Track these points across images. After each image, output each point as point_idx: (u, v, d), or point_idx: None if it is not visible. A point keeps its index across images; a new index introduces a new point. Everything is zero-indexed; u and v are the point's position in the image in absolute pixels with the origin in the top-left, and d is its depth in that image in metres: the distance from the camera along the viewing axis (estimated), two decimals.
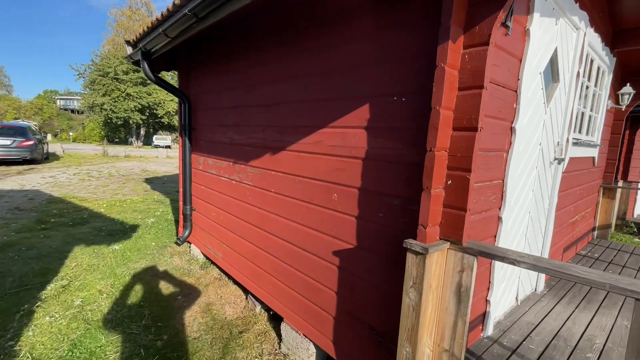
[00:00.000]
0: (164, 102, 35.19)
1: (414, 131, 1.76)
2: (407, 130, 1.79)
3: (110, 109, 32.28)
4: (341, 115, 2.17)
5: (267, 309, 3.21)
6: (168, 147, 33.32)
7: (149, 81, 36.75)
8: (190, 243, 4.57)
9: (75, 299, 3.25)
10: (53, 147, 21.14)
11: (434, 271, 1.63)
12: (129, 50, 4.08)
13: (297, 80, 2.53)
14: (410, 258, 1.63)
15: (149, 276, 3.76)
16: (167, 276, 3.80)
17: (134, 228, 5.47)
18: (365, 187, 2.04)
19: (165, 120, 36.56)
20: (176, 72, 4.68)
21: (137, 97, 33.20)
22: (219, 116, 3.67)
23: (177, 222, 5.85)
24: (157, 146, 33.31)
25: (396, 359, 1.72)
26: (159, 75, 4.04)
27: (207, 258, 4.33)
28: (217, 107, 3.71)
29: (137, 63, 4.20)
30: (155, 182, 10.20)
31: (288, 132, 2.64)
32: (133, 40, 3.92)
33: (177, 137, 42.09)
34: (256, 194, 3.10)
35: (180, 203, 4.54)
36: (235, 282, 3.71)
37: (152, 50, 3.63)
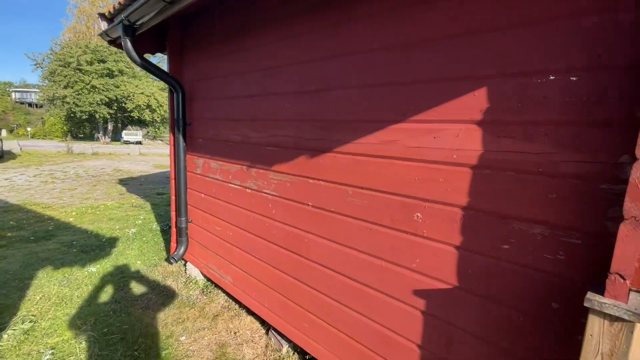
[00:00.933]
0: (133, 95, 33.01)
1: (582, 128, 1.17)
2: (568, 126, 1.20)
3: (73, 103, 29.81)
4: (433, 105, 1.55)
5: (297, 349, 2.57)
6: (139, 143, 31.35)
7: (116, 73, 34.35)
8: (186, 261, 3.82)
9: (43, 349, 2.46)
10: (8, 144, 19.10)
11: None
12: (104, 25, 3.24)
13: (353, 58, 1.88)
14: (596, 323, 1.06)
15: (140, 309, 3.01)
16: (163, 307, 3.06)
17: (112, 242, 4.62)
18: (477, 205, 1.44)
19: (135, 114, 34.34)
20: (163, 56, 3.87)
21: (103, 90, 30.87)
22: (226, 108, 2.95)
23: (164, 232, 5.04)
24: (126, 142, 31.26)
25: None
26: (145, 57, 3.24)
27: (209, 279, 3.61)
28: (223, 96, 2.98)
29: (114, 42, 3.37)
30: (131, 184, 9.16)
31: (337, 129, 1.99)
32: (110, 12, 3.09)
33: (148, 132, 39.94)
34: (284, 207, 2.43)
35: (173, 213, 3.78)
36: (250, 311, 3.03)
37: (136, 24, 2.83)
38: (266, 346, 2.67)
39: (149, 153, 20.28)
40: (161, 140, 39.92)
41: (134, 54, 2.95)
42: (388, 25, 1.71)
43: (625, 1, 1.08)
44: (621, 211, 1.00)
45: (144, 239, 4.74)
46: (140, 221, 5.60)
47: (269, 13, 2.43)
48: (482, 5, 1.39)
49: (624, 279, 1.04)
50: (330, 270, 2.12)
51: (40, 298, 3.11)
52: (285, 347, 2.61)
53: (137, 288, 3.36)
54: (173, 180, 3.71)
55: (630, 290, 1.11)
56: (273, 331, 2.70)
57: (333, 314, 2.12)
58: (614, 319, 1.02)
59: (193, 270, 3.69)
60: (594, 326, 1.06)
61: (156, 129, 39.05)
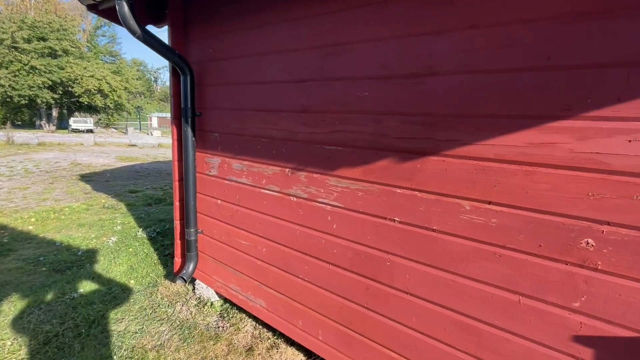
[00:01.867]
0: (81, 78, 29.84)
1: None
2: None
3: (9, 85, 26.29)
4: (629, 96, 1.15)
5: None
6: (90, 131, 28.53)
7: (60, 53, 31.33)
8: (194, 279, 3.21)
9: None
10: None
11: None
12: None
13: (481, 33, 1.42)
14: None
15: (153, 350, 2.40)
16: (181, 344, 2.47)
17: (91, 255, 3.84)
18: None
19: (84, 100, 31.16)
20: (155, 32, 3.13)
21: (45, 72, 27.54)
22: (258, 96, 2.36)
23: (153, 240, 4.32)
24: (75, 130, 28.31)
25: None
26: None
27: (227, 300, 3.05)
28: (252, 81, 2.38)
29: (97, 8, 2.61)
30: (96, 180, 8.03)
31: (446, 125, 1.54)
32: None
33: (100, 119, 36.45)
34: (351, 221, 1.95)
35: (177, 222, 3.12)
36: (289, 340, 2.54)
37: None
38: None
39: (106, 143, 18.38)
40: (115, 128, 36.79)
41: (132, 22, 2.25)
42: None
43: None
44: None
45: (130, 249, 4.00)
46: (119, 227, 4.79)
47: None
48: None
49: None
50: (429, 302, 1.70)
51: (12, 344, 2.38)
52: None
53: (139, 318, 2.73)
54: (177, 183, 3.05)
55: None
56: None
57: (429, 353, 1.71)
58: None
59: (205, 291, 3.10)
60: None
61: (109, 116, 35.86)
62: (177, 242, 3.17)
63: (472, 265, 1.55)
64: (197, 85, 2.78)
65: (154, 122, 55.64)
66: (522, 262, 1.41)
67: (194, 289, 3.20)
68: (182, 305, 2.94)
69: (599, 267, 1.25)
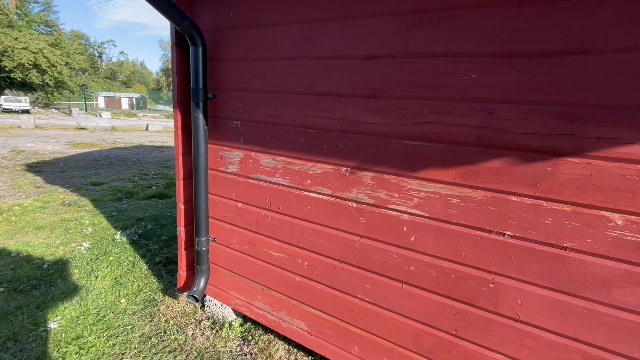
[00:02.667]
0: (12, 51, 26.09)
1: None
2: None
3: None
4: None
5: None
6: (26, 112, 25.20)
7: None
8: (204, 295, 2.70)
9: None
10: None
11: None
12: None
13: None
14: None
15: None
16: None
17: (60, 268, 3.15)
18: None
19: (17, 75, 27.37)
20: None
21: None
22: (305, 75, 1.87)
23: (136, 244, 3.68)
24: (8, 111, 24.87)
25: None
26: None
27: (245, 318, 2.60)
28: (298, 55, 1.88)
29: None
30: (48, 171, 6.88)
31: (603, 120, 1.21)
32: None
33: (37, 98, 32.26)
34: (440, 234, 1.59)
35: (181, 230, 2.57)
36: None
37: None
38: None
39: (49, 125, 16.21)
40: (56, 109, 32.89)
41: None
42: None
43: None
44: None
45: (111, 258, 3.35)
46: (89, 229, 4.04)
47: None
48: None
49: None
50: (549, 332, 1.41)
51: None
52: None
53: (145, 352, 2.20)
54: (182, 182, 2.49)
55: None
56: None
57: None
58: None
59: (218, 309, 2.62)
60: None
61: (48, 95, 31.95)
62: (182, 253, 2.62)
63: (618, 291, 1.27)
64: (212, 59, 2.21)
65: (101, 102, 50.83)
66: None
67: (203, 306, 2.71)
68: (195, 329, 2.44)
69: None
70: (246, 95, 2.12)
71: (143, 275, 3.10)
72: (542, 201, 1.35)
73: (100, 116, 27.65)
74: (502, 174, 1.41)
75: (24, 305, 2.58)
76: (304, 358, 2.25)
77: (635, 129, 1.17)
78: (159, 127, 18.49)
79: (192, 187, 2.54)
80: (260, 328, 2.49)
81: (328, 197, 1.91)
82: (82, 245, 3.60)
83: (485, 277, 1.52)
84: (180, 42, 2.25)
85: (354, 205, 1.82)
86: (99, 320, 2.45)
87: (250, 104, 2.11)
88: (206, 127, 2.26)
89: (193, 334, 2.40)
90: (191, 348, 2.26)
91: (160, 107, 54.53)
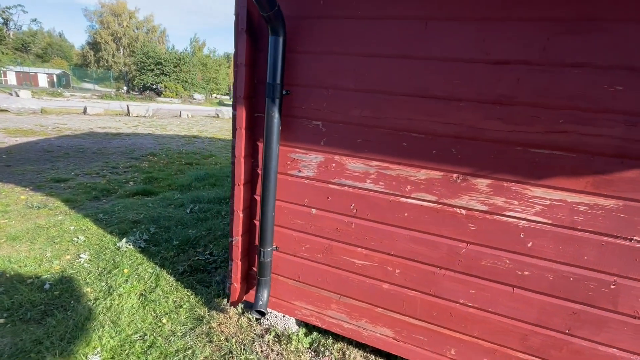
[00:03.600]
0: None
1: None
2: None
3: None
4: None
5: None
6: None
7: None
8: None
9: None
10: None
11: None
12: None
13: None
14: None
15: None
16: None
17: (67, 287, 2.68)
18: None
19: None
20: None
21: None
22: (414, 76, 1.74)
23: (146, 251, 3.27)
24: None
25: None
26: None
27: (307, 327, 2.47)
28: (406, 54, 1.74)
29: None
30: None
31: None
32: None
33: None
34: (562, 240, 1.64)
35: (237, 239, 2.32)
36: None
37: None
38: None
39: None
40: None
41: None
42: None
43: None
44: None
45: (125, 270, 2.94)
46: (80, 236, 3.48)
47: None
48: None
49: None
50: None
51: None
52: None
53: None
54: (242, 187, 2.23)
55: None
56: None
57: None
58: None
59: (279, 320, 2.45)
60: None
61: None
62: (237, 264, 2.38)
63: None
64: (290, 50, 1.97)
65: (11, 78, 43.67)
66: None
67: (258, 319, 2.51)
68: (262, 346, 2.26)
69: None
70: (333, 94, 1.94)
71: (172, 288, 2.77)
72: None
73: (18, 95, 23.70)
74: (637, 183, 1.48)
75: (42, 338, 2.15)
76: None
77: None
78: (99, 110, 16.44)
79: (251, 193, 2.30)
80: (330, 337, 2.39)
81: (432, 204, 1.85)
82: (81, 257, 3.10)
83: (607, 279, 1.61)
84: (250, 29, 1.97)
85: (463, 212, 1.80)
86: (149, 347, 2.15)
87: (338, 103, 1.94)
88: (278, 128, 2.03)
89: (262, 351, 2.22)
90: None
91: (88, 85, 48.48)
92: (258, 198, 2.28)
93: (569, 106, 1.52)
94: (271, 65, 1.91)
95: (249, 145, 2.17)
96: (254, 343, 2.27)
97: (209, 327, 2.36)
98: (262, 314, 2.25)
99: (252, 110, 2.12)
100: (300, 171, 2.13)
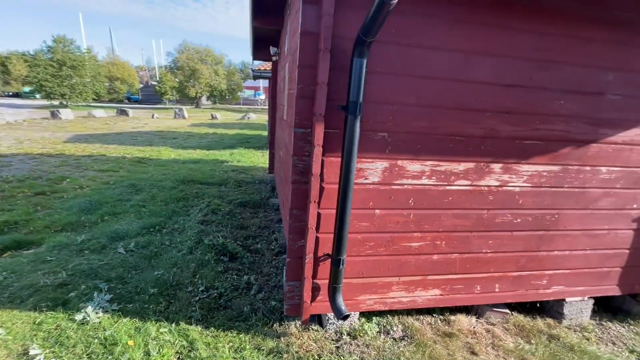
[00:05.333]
0: None
1: None
2: None
3: None
4: None
5: None
6: None
7: None
8: (314, 315, 2.53)
9: None
10: None
11: None
12: None
13: None
14: None
15: None
16: None
17: None
18: None
19: None
20: None
21: None
22: (454, 94, 2.30)
23: (125, 313, 2.55)
24: None
25: None
26: None
27: (362, 315, 2.74)
28: (449, 77, 2.27)
29: None
30: None
31: None
32: None
33: None
34: (538, 195, 2.67)
35: (310, 257, 2.29)
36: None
37: None
38: None
39: None
40: None
41: None
42: None
43: None
44: None
45: (130, 342, 2.25)
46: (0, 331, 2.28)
47: None
48: None
49: None
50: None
51: None
52: None
53: None
54: (316, 204, 2.23)
55: None
56: None
57: None
58: None
59: (342, 320, 2.60)
60: None
61: None
62: (309, 281, 2.38)
63: None
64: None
65: None
66: None
67: (320, 325, 2.58)
68: (350, 346, 2.40)
69: None
70: (397, 109, 2.28)
71: (210, 338, 2.37)
72: None
73: None
74: (570, 155, 2.63)
75: None
76: (428, 316, 2.82)
77: None
78: None
79: (317, 208, 2.35)
80: (387, 315, 2.76)
81: (467, 187, 2.54)
82: (33, 354, 2.12)
83: (554, 212, 2.75)
84: (331, 49, 2.01)
85: (485, 189, 2.57)
86: None
87: (401, 116, 2.29)
88: (352, 140, 2.19)
89: (352, 351, 2.37)
90: None
91: None
92: (322, 212, 2.34)
93: (540, 112, 2.49)
94: (355, 84, 2.04)
95: (320, 163, 2.20)
96: (339, 349, 2.39)
97: (296, 352, 2.28)
98: (347, 317, 2.39)
99: (326, 127, 2.16)
100: (366, 179, 2.37)
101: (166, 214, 4.55)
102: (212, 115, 26.49)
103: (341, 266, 2.34)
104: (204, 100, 47.98)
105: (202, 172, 7.24)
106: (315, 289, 2.51)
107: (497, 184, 2.57)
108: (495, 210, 2.63)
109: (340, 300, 2.41)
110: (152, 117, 24.45)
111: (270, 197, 5.89)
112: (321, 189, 2.31)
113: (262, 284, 3.10)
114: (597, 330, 2.93)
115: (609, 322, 3.05)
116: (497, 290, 2.85)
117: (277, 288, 3.08)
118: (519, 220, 2.69)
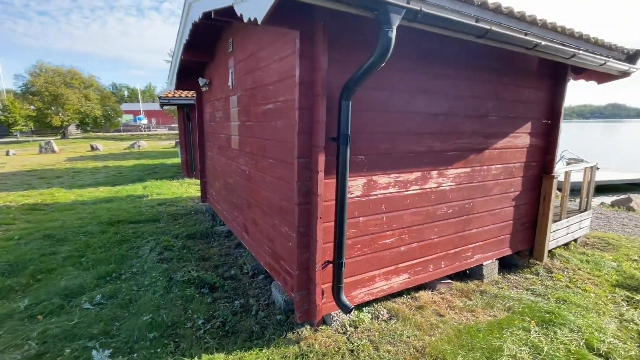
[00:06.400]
0: None
1: None
2: None
3: None
4: None
5: None
6: None
7: None
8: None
9: None
10: None
11: None
12: None
13: None
14: None
15: None
16: None
17: None
18: None
19: None
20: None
21: None
22: (407, 122, 3.09)
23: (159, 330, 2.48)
24: None
25: None
26: None
27: (357, 306, 3.24)
28: (403, 110, 3.04)
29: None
30: None
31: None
32: None
33: None
34: (459, 190, 3.66)
35: (319, 265, 2.68)
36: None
37: None
38: None
39: None
40: None
41: None
42: None
43: None
44: None
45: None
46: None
47: None
48: None
49: None
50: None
51: None
52: None
53: None
54: (322, 220, 2.66)
55: None
56: None
57: None
58: None
59: (340, 315, 3.05)
60: None
61: None
62: (320, 287, 2.77)
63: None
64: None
65: None
66: None
67: (325, 322, 2.98)
68: (358, 335, 2.87)
69: None
70: (369, 136, 2.93)
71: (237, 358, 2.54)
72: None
73: None
74: (477, 160, 3.71)
75: None
76: (401, 298, 3.52)
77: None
78: None
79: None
80: (372, 303, 3.33)
81: (418, 191, 3.35)
82: None
83: (470, 201, 3.80)
84: (326, 94, 2.52)
85: (429, 190, 3.44)
86: None
87: (373, 142, 2.95)
88: (344, 164, 2.74)
89: (361, 338, 2.86)
90: (383, 346, 2.83)
91: None
92: (325, 225, 2.80)
93: (456, 131, 3.49)
94: (344, 120, 2.60)
95: (325, 186, 2.66)
96: (350, 338, 2.85)
97: (318, 351, 2.63)
98: (351, 310, 2.86)
99: (323, 156, 2.63)
100: (352, 193, 2.93)
101: (114, 259, 4.18)
102: (91, 147, 23.12)
103: (343, 268, 2.82)
104: (72, 129, 41.24)
105: (125, 210, 6.60)
106: (321, 293, 2.92)
107: (435, 185, 3.45)
108: (436, 205, 3.52)
109: (344, 297, 2.88)
110: (8, 154, 19.98)
111: (215, 225, 5.87)
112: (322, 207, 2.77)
113: (257, 304, 3.30)
114: (504, 281, 4.10)
115: (508, 275, 4.28)
116: (443, 266, 3.74)
117: (271, 305, 3.33)
118: (450, 210, 3.64)
